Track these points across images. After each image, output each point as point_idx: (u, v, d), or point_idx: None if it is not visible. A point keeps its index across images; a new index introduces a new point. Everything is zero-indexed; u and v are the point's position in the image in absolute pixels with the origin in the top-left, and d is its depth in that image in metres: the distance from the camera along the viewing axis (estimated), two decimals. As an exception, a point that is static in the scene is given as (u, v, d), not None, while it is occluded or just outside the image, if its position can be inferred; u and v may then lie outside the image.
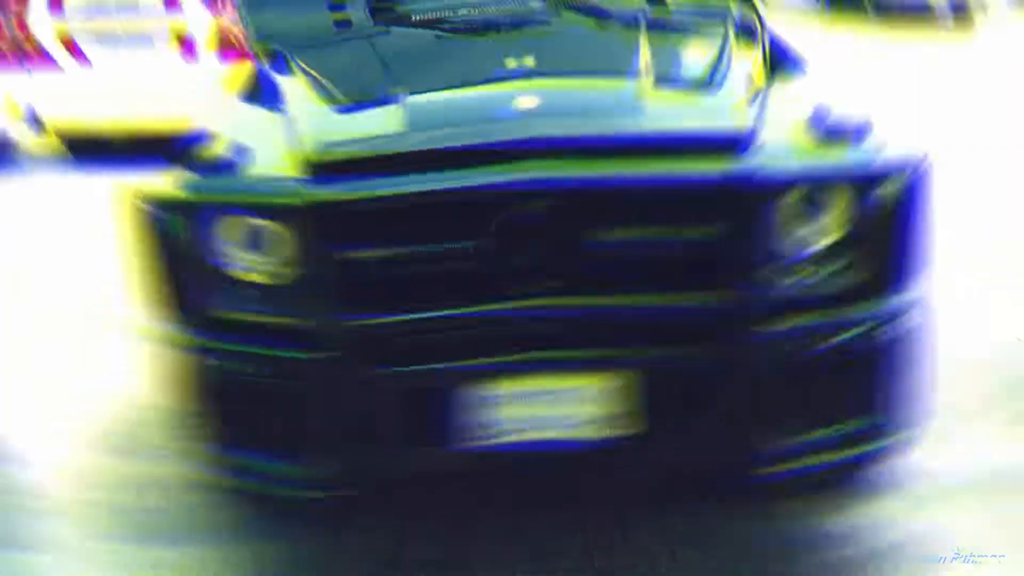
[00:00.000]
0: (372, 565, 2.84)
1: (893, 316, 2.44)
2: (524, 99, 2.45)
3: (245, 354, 2.45)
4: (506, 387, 2.38)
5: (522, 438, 2.40)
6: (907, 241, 2.40)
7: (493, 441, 2.40)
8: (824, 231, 2.40)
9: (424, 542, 2.92)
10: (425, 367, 2.40)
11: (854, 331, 2.48)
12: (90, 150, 8.72)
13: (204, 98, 7.37)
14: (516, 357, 2.38)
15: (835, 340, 2.48)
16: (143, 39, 7.96)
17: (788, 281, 2.39)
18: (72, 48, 7.99)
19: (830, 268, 2.41)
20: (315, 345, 2.34)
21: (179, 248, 2.42)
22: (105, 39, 7.98)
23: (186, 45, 7.87)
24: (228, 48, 7.70)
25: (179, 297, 2.46)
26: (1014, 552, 2.78)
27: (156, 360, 2.85)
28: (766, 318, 2.32)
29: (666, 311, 2.39)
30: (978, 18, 18.73)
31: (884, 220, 2.39)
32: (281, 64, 3.17)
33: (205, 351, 2.49)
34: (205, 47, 7.81)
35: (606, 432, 2.40)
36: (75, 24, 7.98)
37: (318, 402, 2.38)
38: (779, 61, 3.06)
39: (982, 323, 4.43)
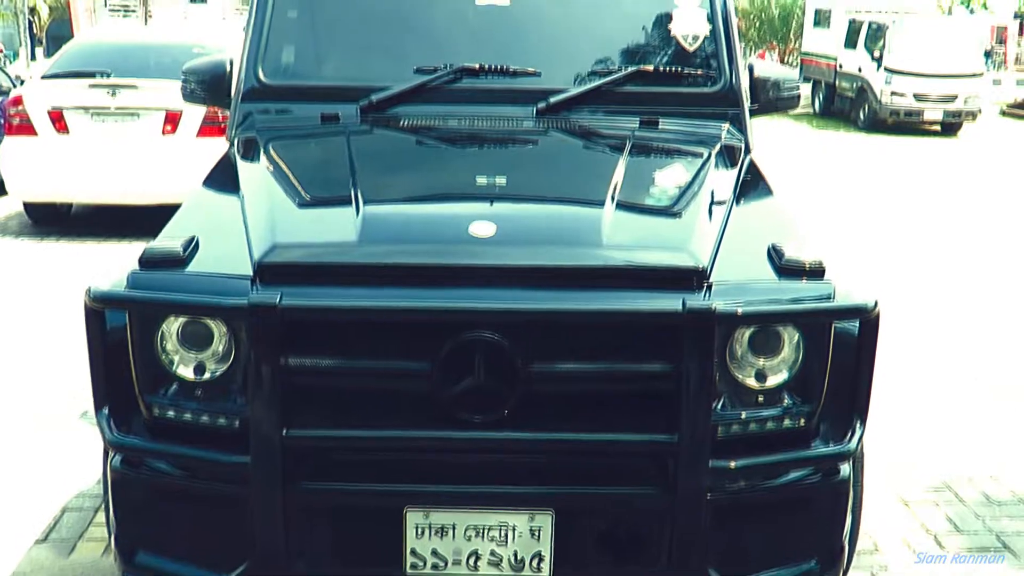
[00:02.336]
0: None
1: (840, 456, 2.40)
2: (481, 223, 2.44)
3: (178, 456, 2.39)
4: (436, 516, 2.31)
5: (449, 572, 2.33)
6: (853, 384, 2.38)
7: (420, 572, 2.33)
8: (771, 371, 2.38)
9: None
10: (355, 487, 2.34)
11: (801, 471, 2.45)
12: (54, 219, 8.75)
13: (173, 181, 7.47)
14: (448, 488, 2.32)
15: (782, 479, 2.44)
16: (132, 116, 8.04)
17: (735, 419, 2.35)
18: (58, 120, 8.03)
19: (777, 407, 2.39)
20: (248, 452, 2.28)
21: (121, 343, 2.37)
22: (96, 114, 8.05)
23: (174, 125, 7.94)
24: (214, 130, 7.76)
25: (118, 392, 2.40)
26: None
27: (102, 455, 2.77)
28: (714, 455, 2.27)
29: (610, 446, 2.34)
30: (967, 123, 19.15)
31: (832, 362, 2.37)
32: (254, 153, 3.15)
33: (140, 451, 2.43)
34: (192, 129, 7.88)
35: (543, 571, 2.32)
36: (68, 98, 8.06)
37: (248, 511, 2.31)
38: (751, 190, 3.05)
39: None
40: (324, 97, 3.46)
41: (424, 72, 3.40)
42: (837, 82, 21.26)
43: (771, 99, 3.65)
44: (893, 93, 18.94)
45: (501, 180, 2.90)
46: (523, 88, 3.43)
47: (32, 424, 4.45)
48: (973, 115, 19.11)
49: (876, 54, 19.41)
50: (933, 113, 18.97)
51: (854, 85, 20.30)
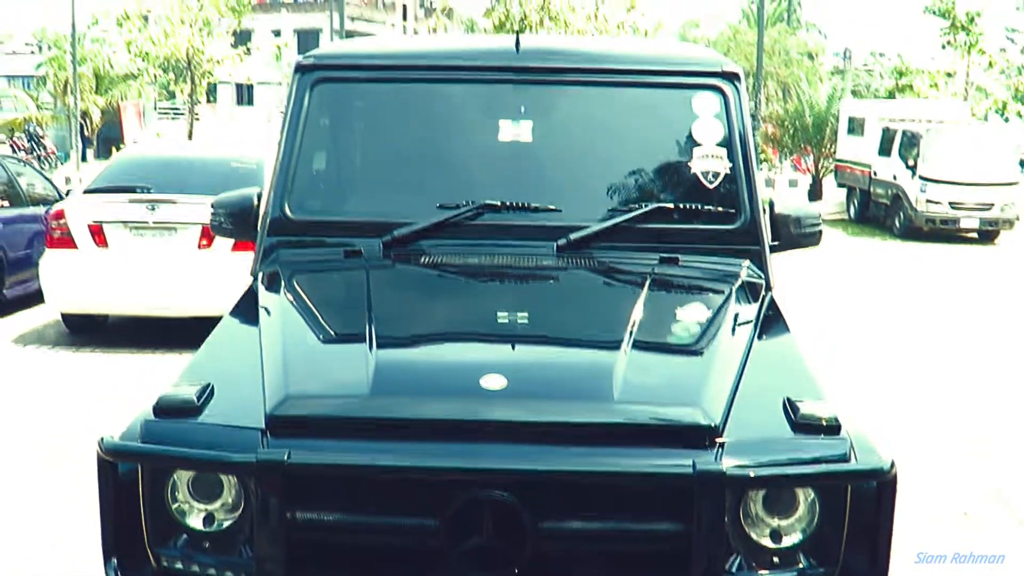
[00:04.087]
0: None
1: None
2: (492, 376, 2.42)
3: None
4: None
5: None
6: (872, 546, 2.32)
7: None
8: (787, 531, 2.33)
9: None
10: None
11: None
12: (91, 330, 8.89)
13: (207, 295, 7.58)
14: None
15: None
16: (170, 230, 8.21)
17: None
18: (98, 234, 8.21)
19: (792, 569, 2.32)
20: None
21: (132, 492, 2.38)
22: (134, 228, 8.23)
23: (210, 240, 8.08)
24: (248, 245, 7.86)
25: (127, 543, 2.39)
26: None
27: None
28: None
29: None
30: (1004, 231, 18.98)
31: (849, 523, 2.32)
32: (275, 290, 3.18)
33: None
34: (227, 244, 8.00)
35: None
36: (108, 212, 8.25)
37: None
38: (769, 332, 3.03)
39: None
40: (348, 231, 3.50)
41: (447, 208, 3.44)
42: (872, 189, 21.27)
43: (792, 235, 3.64)
44: (928, 201, 18.88)
45: (519, 321, 2.91)
46: (544, 224, 3.45)
47: (49, 544, 4.43)
48: (1010, 223, 18.97)
49: (910, 162, 19.42)
50: (969, 221, 18.86)
51: (889, 192, 20.30)
